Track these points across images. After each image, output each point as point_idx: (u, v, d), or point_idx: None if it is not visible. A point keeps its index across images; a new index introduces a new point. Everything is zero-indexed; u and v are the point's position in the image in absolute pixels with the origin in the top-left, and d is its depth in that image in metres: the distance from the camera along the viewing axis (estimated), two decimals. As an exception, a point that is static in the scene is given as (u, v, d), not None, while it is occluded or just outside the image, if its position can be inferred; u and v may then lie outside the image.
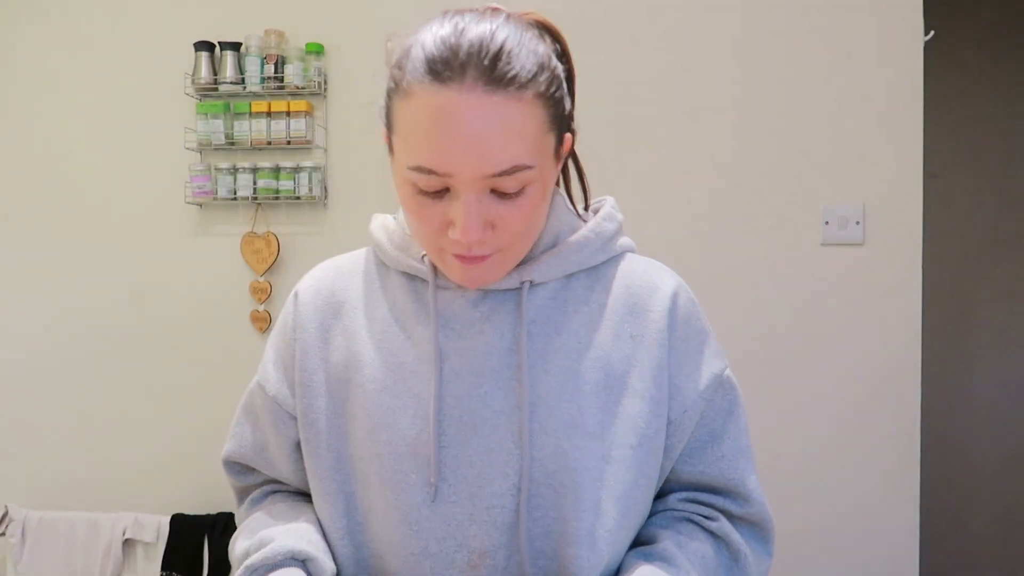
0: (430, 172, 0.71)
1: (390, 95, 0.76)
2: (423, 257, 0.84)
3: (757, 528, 0.87)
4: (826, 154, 2.23)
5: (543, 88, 0.72)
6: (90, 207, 2.52)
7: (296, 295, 0.90)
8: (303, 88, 2.40)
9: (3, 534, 2.45)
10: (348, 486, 0.82)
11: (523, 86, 0.70)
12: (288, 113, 2.38)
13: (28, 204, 2.55)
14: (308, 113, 2.39)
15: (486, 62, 0.69)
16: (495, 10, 0.75)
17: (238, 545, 0.84)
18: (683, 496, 0.87)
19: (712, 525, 0.84)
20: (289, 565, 0.78)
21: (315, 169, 2.39)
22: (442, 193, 0.73)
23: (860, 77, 2.20)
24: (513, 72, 0.70)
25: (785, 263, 2.24)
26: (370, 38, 2.40)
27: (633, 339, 0.82)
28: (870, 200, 2.21)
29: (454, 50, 0.69)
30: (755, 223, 2.25)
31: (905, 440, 2.19)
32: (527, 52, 0.71)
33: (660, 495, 0.88)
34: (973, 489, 3.03)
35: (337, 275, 0.89)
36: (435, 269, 0.83)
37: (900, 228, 2.20)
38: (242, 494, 0.97)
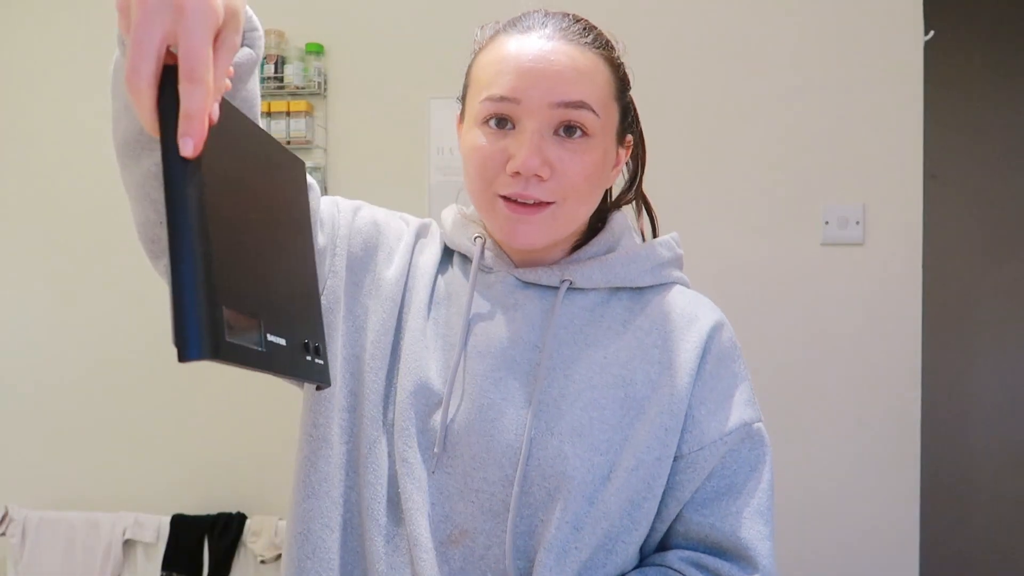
0: (500, 98, 0.77)
1: (472, 61, 0.83)
2: (475, 239, 0.87)
3: None
4: (826, 154, 2.22)
5: (613, 57, 0.82)
6: (90, 208, 2.52)
7: (429, 227, 0.92)
8: (303, 88, 2.40)
9: (3, 534, 2.45)
10: (361, 431, 0.81)
11: (595, 47, 0.80)
12: (288, 113, 2.38)
13: (27, 205, 2.55)
14: (308, 113, 2.39)
15: (563, 25, 0.80)
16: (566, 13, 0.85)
17: None
18: (685, 556, 0.80)
19: None
20: None
21: (315, 169, 2.39)
22: (505, 128, 0.78)
23: (860, 77, 2.20)
24: (587, 38, 0.80)
25: (785, 263, 2.24)
26: (370, 38, 2.41)
27: (661, 365, 0.81)
28: (870, 200, 2.21)
29: (536, 14, 0.81)
30: (755, 223, 2.25)
31: (905, 440, 2.19)
32: (600, 34, 0.83)
33: (664, 547, 0.82)
34: (973, 489, 3.03)
35: (433, 239, 0.91)
36: (483, 250, 0.86)
37: (900, 228, 2.20)
38: None
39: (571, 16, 0.82)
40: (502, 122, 0.77)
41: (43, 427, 2.55)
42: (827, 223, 2.22)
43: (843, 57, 2.21)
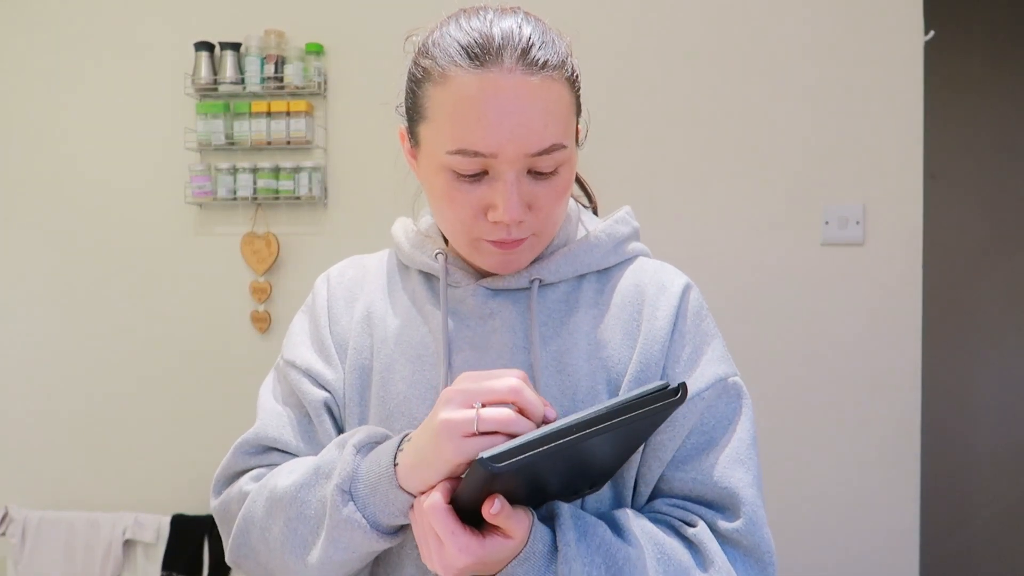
0: (475, 154, 0.74)
1: (418, 84, 0.78)
2: (436, 255, 0.86)
3: (750, 558, 0.77)
4: (826, 154, 2.23)
5: (569, 73, 0.77)
6: (90, 207, 2.52)
7: (328, 278, 0.92)
8: (303, 88, 2.40)
9: (3, 534, 2.45)
10: None
11: (556, 68, 0.75)
12: (288, 113, 2.38)
13: (28, 204, 2.55)
14: (308, 113, 2.39)
15: (520, 49, 0.74)
16: (513, 9, 0.79)
17: (280, 480, 0.78)
18: (671, 502, 0.80)
19: (688, 531, 0.77)
20: (384, 438, 0.76)
21: (315, 169, 2.39)
22: (479, 177, 0.76)
23: (860, 77, 2.20)
24: (546, 57, 0.74)
25: (785, 263, 2.24)
26: (370, 38, 2.41)
27: (639, 336, 0.82)
28: (870, 200, 2.21)
29: (488, 37, 0.74)
30: (755, 223, 2.26)
31: (905, 440, 2.19)
32: (552, 41, 0.77)
33: (648, 500, 0.83)
34: (973, 489, 3.03)
35: (364, 269, 0.93)
36: (447, 266, 0.85)
37: (900, 228, 2.20)
38: (236, 476, 0.89)
39: (524, 28, 0.75)
40: (474, 173, 0.75)
41: (43, 427, 2.55)
42: (827, 223, 2.22)
43: (843, 57, 2.21)
